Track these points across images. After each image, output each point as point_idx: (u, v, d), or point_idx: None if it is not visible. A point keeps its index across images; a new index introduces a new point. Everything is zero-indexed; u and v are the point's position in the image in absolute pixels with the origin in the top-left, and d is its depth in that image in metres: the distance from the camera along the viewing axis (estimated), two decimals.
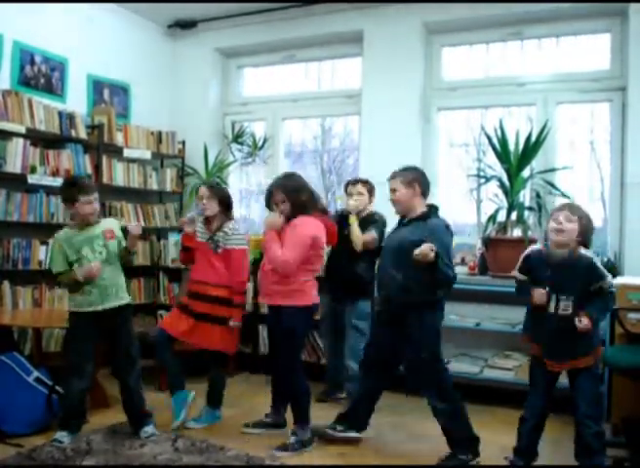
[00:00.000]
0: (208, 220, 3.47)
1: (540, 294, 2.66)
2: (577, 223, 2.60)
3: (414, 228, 2.96)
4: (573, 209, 2.64)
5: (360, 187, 3.81)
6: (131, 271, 3.42)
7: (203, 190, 3.45)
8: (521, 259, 2.82)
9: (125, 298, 3.21)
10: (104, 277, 3.09)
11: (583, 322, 2.55)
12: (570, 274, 2.61)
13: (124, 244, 3.19)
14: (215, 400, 3.48)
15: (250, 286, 4.72)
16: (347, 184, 3.93)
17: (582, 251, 2.63)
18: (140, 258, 4.88)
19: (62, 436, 3.06)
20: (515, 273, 2.86)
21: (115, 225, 3.26)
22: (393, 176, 3.08)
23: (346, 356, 3.74)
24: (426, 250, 2.70)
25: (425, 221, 2.97)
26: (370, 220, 3.76)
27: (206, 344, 3.39)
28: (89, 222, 3.13)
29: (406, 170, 3.09)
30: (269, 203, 3.20)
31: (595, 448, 2.62)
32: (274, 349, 3.32)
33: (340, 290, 3.79)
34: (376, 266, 3.56)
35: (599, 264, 2.63)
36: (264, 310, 3.98)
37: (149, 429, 3.18)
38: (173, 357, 3.41)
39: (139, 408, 3.22)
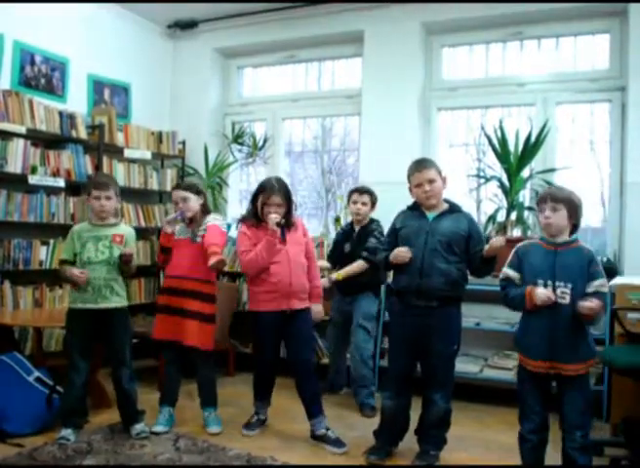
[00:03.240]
0: (190, 221, 3.41)
1: (543, 293, 2.39)
2: (564, 210, 2.45)
3: (455, 219, 2.89)
4: (556, 197, 2.47)
5: (366, 197, 3.89)
6: None
7: (177, 194, 3.37)
8: (512, 253, 2.60)
9: (119, 302, 3.21)
10: (100, 277, 3.12)
11: (591, 302, 2.29)
12: (568, 261, 2.44)
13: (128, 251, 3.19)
14: (210, 400, 3.42)
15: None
16: (353, 192, 3.94)
17: (583, 243, 2.52)
18: (141, 258, 4.89)
19: (68, 434, 3.08)
20: (505, 270, 2.59)
21: (129, 233, 3.27)
22: (430, 166, 2.90)
23: (352, 355, 3.86)
24: (499, 242, 2.69)
25: (460, 212, 2.94)
26: (368, 229, 3.87)
27: (185, 340, 3.30)
28: (102, 220, 3.18)
29: (431, 160, 2.99)
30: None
31: (581, 462, 2.44)
32: (277, 351, 3.37)
33: (350, 288, 3.84)
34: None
35: (598, 260, 2.51)
36: None
37: (139, 427, 3.21)
38: (177, 372, 3.44)
39: (130, 406, 3.25)
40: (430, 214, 2.92)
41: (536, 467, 2.59)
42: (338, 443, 3.11)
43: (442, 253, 2.83)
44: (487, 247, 2.74)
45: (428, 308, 2.85)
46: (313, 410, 3.20)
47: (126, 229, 3.30)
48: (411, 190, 2.98)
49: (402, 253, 2.83)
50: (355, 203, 3.88)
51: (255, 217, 3.22)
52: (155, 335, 3.40)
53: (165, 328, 3.35)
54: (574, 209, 2.49)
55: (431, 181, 2.87)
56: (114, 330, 3.19)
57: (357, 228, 3.93)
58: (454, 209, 2.95)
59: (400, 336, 2.98)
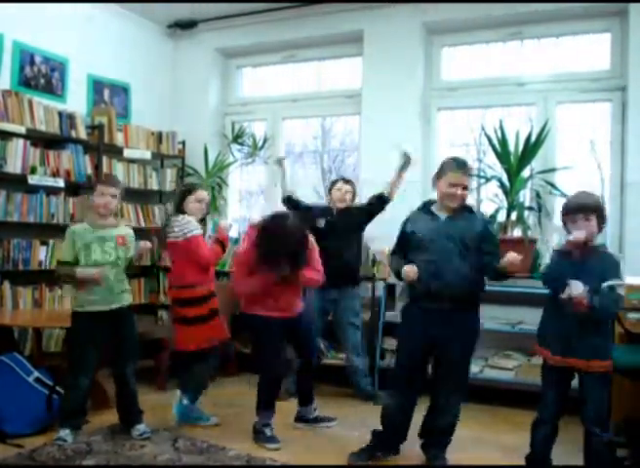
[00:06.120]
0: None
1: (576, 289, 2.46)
2: (594, 219, 2.52)
3: (470, 220, 2.85)
4: (588, 208, 2.54)
5: (350, 187, 4.15)
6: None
7: (206, 195, 3.54)
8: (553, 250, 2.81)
9: (128, 299, 3.28)
10: (109, 278, 3.13)
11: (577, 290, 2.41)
12: (591, 267, 2.52)
13: (132, 253, 3.26)
14: (189, 388, 3.44)
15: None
16: (338, 181, 4.19)
17: (609, 251, 2.63)
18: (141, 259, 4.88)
19: (66, 434, 3.07)
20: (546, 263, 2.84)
21: (129, 233, 3.29)
22: (470, 173, 2.96)
23: (350, 352, 4.04)
24: (516, 259, 2.65)
25: (473, 213, 2.91)
26: (353, 205, 4.16)
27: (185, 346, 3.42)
28: (103, 218, 3.16)
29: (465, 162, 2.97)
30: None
31: (604, 457, 2.54)
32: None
33: (331, 277, 3.77)
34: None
35: (621, 267, 2.59)
36: None
37: (141, 427, 3.21)
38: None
39: (134, 406, 3.26)
40: (442, 215, 2.88)
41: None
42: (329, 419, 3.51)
43: (458, 255, 2.78)
44: (504, 260, 2.68)
45: (441, 312, 2.79)
46: (309, 399, 3.52)
47: (127, 230, 3.31)
48: (437, 184, 2.91)
49: (409, 273, 2.78)
50: (340, 190, 4.09)
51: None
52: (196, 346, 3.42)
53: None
54: (602, 214, 2.58)
55: (465, 188, 2.87)
56: (126, 328, 3.22)
57: (336, 210, 4.10)
58: (466, 209, 2.90)
59: (410, 340, 2.91)
